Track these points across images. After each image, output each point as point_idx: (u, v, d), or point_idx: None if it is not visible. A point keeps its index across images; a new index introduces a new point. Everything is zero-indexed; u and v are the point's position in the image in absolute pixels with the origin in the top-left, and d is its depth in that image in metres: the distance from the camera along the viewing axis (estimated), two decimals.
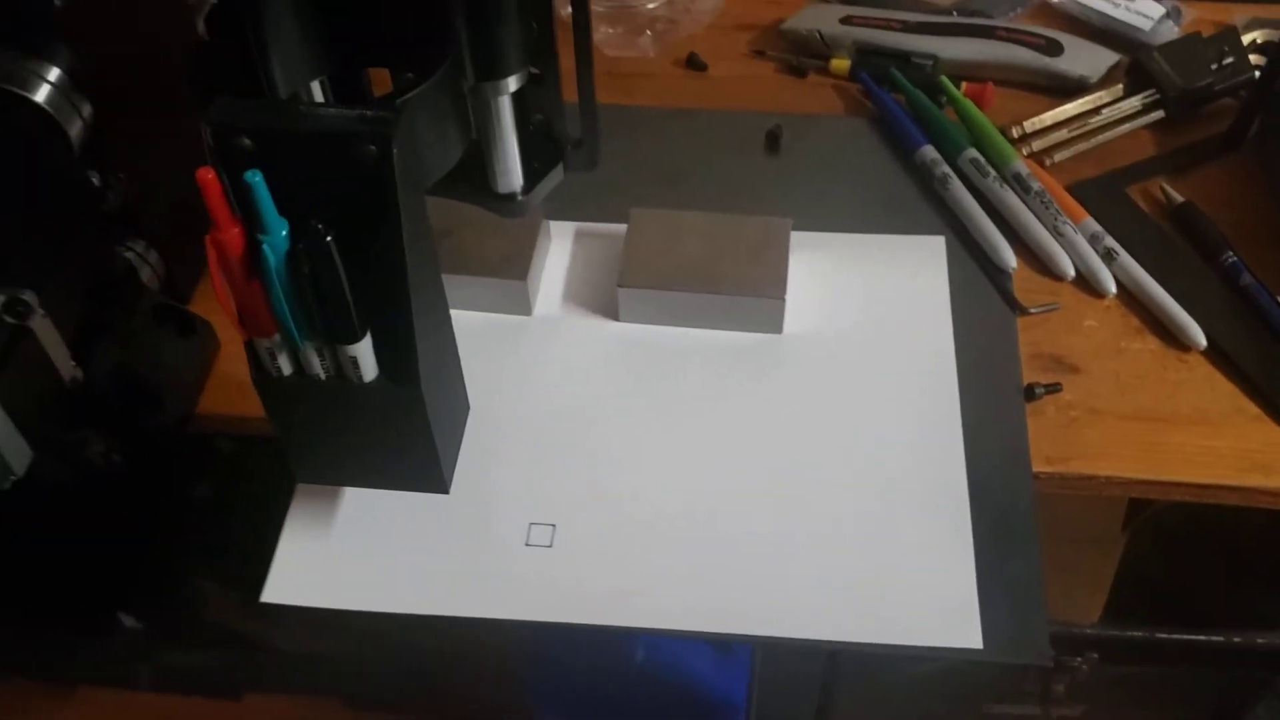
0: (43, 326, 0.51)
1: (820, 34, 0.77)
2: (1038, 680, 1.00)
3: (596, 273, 0.67)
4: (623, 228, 0.66)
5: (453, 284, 0.63)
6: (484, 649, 0.92)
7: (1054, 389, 0.61)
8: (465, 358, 0.63)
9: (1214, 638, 1.04)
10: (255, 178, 0.41)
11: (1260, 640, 1.00)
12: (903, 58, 0.75)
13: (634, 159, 0.73)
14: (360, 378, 0.48)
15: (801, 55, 0.78)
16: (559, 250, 0.68)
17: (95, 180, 0.55)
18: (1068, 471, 0.59)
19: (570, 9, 0.50)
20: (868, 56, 0.76)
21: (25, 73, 0.52)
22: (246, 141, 0.41)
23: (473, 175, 0.55)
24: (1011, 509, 0.57)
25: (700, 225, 0.65)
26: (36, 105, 0.52)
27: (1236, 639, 1.03)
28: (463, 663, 0.90)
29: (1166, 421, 0.60)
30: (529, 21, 0.48)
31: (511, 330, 0.65)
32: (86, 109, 0.54)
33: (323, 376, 0.48)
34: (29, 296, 0.50)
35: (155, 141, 0.61)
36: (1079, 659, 1.00)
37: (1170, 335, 0.63)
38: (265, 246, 0.42)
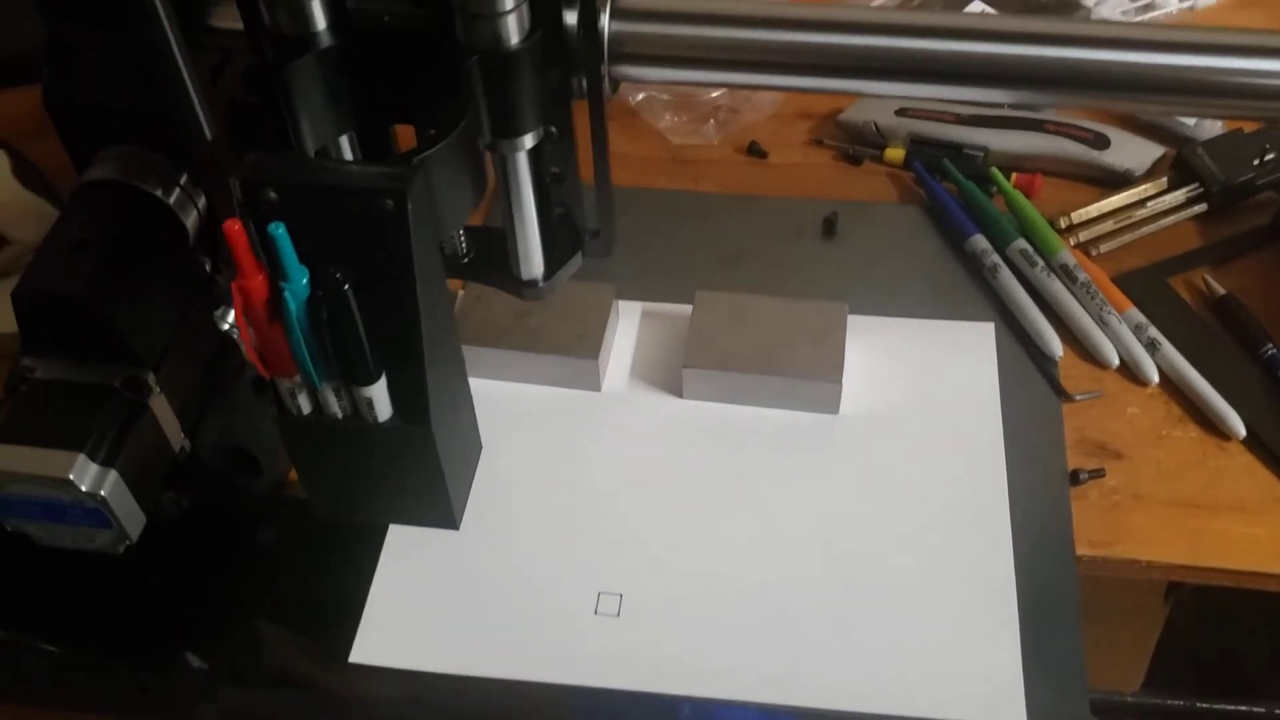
0: (159, 403, 0.56)
1: (876, 125, 0.81)
2: None
3: (662, 351, 0.71)
4: (687, 308, 0.70)
5: (528, 361, 0.68)
6: (534, 702, 0.95)
7: (1098, 474, 0.64)
8: (538, 430, 0.67)
9: (1256, 709, 1.05)
10: (278, 230, 0.44)
11: None
12: (955, 149, 0.79)
13: (697, 242, 0.77)
14: (375, 417, 0.51)
15: (857, 145, 0.81)
16: (626, 329, 0.72)
17: (207, 267, 0.60)
18: (1110, 555, 0.61)
19: (589, 112, 0.53)
20: (921, 147, 0.80)
21: (149, 170, 0.57)
22: (273, 195, 0.45)
23: (500, 262, 0.59)
24: (1055, 590, 0.60)
25: (762, 308, 0.69)
26: (160, 201, 0.56)
27: (1278, 711, 1.04)
28: (512, 713, 0.93)
29: (1207, 508, 0.63)
30: (543, 84, 0.50)
31: (582, 405, 0.68)
32: (202, 201, 0.59)
33: (340, 416, 0.51)
34: (149, 376, 0.55)
35: None
36: None
37: (1211, 424, 0.66)
38: (287, 293, 0.45)
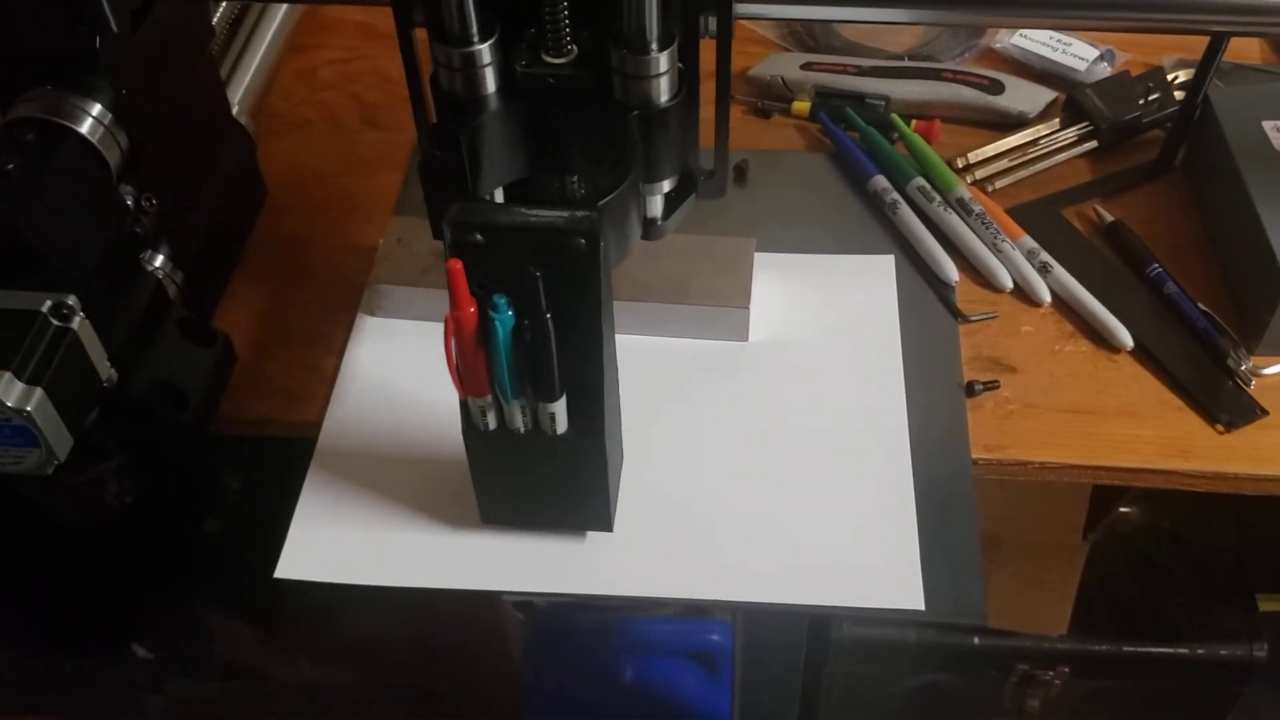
0: (84, 329, 0.58)
1: (783, 79, 0.84)
2: (1013, 697, 1.04)
3: None
4: None
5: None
6: (481, 678, 0.97)
7: (992, 386, 0.67)
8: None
9: (1180, 650, 1.08)
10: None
11: (1223, 652, 1.04)
12: (858, 99, 0.83)
13: None
14: (555, 430, 0.56)
15: (766, 99, 0.85)
16: None
17: (129, 202, 0.62)
18: (1005, 458, 0.65)
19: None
20: (826, 99, 0.84)
21: (71, 107, 0.59)
22: (479, 237, 0.50)
23: None
24: (952, 489, 0.63)
25: (674, 244, 0.71)
26: (80, 135, 0.59)
27: (1201, 651, 1.07)
28: (460, 690, 0.94)
29: (1097, 414, 0.66)
30: (683, 142, 0.58)
31: None
32: (124, 139, 0.61)
33: (522, 430, 0.56)
34: (72, 300, 0.57)
35: (184, 171, 0.69)
36: (1050, 673, 1.04)
37: (1101, 338, 0.70)
38: (496, 322, 0.50)
